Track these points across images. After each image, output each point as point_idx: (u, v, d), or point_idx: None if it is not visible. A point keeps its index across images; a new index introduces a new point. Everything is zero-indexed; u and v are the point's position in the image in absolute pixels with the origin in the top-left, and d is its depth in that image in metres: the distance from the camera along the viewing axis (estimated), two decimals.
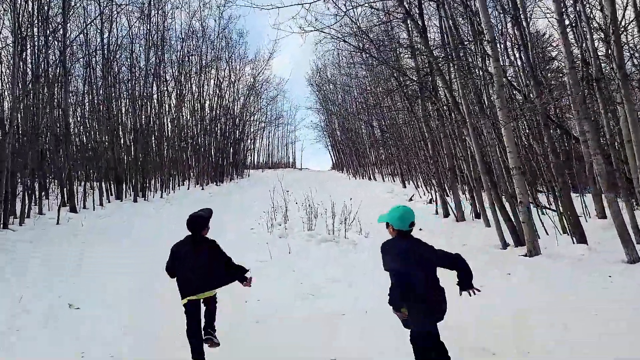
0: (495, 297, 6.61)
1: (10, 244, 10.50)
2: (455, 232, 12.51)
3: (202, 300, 4.60)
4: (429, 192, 21.40)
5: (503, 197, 10.81)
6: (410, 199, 20.73)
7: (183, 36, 29.60)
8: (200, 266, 4.52)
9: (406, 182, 28.09)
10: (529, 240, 8.87)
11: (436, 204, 16.20)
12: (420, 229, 13.27)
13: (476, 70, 10.64)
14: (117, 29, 22.69)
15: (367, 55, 14.82)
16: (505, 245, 10.12)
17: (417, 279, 3.61)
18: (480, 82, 11.22)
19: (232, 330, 5.66)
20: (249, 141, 47.17)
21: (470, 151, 13.07)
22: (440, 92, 14.11)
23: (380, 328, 5.85)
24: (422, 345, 3.60)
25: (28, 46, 15.24)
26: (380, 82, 24.30)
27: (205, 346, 4.50)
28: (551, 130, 10.69)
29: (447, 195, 15.62)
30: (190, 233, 4.64)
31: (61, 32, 16.75)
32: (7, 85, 16.38)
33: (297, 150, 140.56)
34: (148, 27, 24.26)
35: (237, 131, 38.70)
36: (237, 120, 38.38)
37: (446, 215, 15.08)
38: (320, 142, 60.14)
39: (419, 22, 11.57)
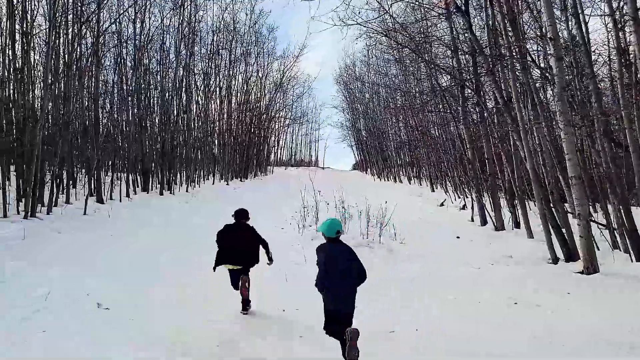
0: (558, 320, 6.00)
1: (38, 233, 10.22)
2: (495, 242, 11.82)
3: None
4: (460, 198, 20.68)
5: (553, 207, 10.10)
6: (442, 204, 20.02)
7: (214, 29, 29.35)
8: (240, 246, 6.35)
9: (434, 186, 27.35)
10: (587, 256, 8.17)
11: (472, 210, 15.48)
12: (458, 237, 12.70)
13: (533, 70, 9.94)
14: (149, 20, 22.51)
15: (408, 52, 14.20)
16: (555, 259, 9.42)
17: (328, 277, 4.73)
18: (533, 84, 10.51)
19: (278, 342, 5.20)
20: (273, 138, 46.88)
21: (516, 157, 12.36)
22: (484, 93, 13.40)
23: (433, 349, 5.32)
24: (326, 320, 4.76)
25: (61, 34, 15.05)
26: (414, 82, 23.64)
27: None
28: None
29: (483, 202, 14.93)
30: (235, 220, 6.53)
31: (95, 20, 16.54)
32: (39, 74, 16.24)
33: (320, 149, 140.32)
34: (180, 19, 24.06)
35: (263, 128, 38.39)
36: (263, 116, 38.06)
37: (483, 223, 14.36)
38: (344, 141, 59.29)
39: (468, 18, 10.92)
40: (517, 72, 9.84)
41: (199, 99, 28.42)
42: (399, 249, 10.88)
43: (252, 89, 35.76)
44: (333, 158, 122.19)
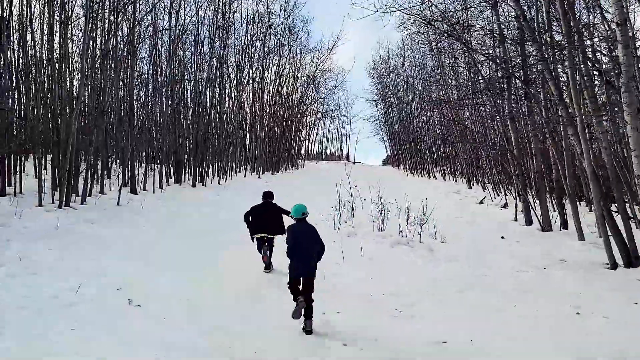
0: (633, 335, 5.37)
1: (71, 223, 10.10)
2: (544, 244, 11.06)
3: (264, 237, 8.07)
4: (500, 196, 19.81)
5: (612, 207, 9.32)
6: (481, 202, 19.21)
7: (248, 20, 29.08)
8: (267, 218, 8.14)
9: (471, 183, 26.42)
10: None
11: (515, 209, 14.70)
12: (503, 237, 12.00)
13: (592, 61, 9.16)
14: (184, 11, 22.35)
15: (447, 43, 13.50)
16: (614, 264, 8.67)
17: (294, 248, 5.78)
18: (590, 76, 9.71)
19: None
20: (304, 132, 46.49)
21: (568, 153, 11.56)
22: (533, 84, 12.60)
23: None
24: (289, 280, 5.72)
25: (98, 24, 14.98)
26: (453, 74, 22.79)
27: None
28: None
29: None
30: (263, 200, 8.62)
31: (131, 9, 16.44)
32: (76, 64, 16.27)
33: (351, 144, 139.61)
34: (215, 10, 23.86)
35: (295, 121, 38.04)
36: (295, 109, 37.70)
37: (529, 222, 13.58)
38: (376, 135, 58.45)
39: (519, 5, 10.19)
40: (575, 62, 9.07)
41: (232, 91, 28.25)
42: (439, 249, 10.29)
43: (285, 81, 35.43)
44: (363, 153, 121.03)
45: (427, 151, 37.87)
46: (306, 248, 5.76)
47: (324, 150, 62.46)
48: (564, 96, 9.76)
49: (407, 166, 44.14)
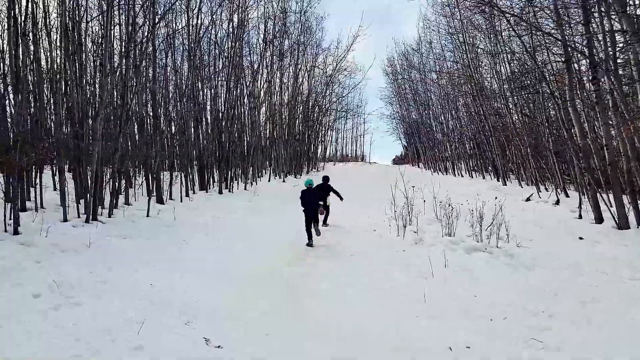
0: None
1: (103, 239, 9.02)
2: (631, 245, 9.79)
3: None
4: (549, 192, 18.52)
5: None
6: (528, 199, 17.88)
7: (265, 19, 28.03)
8: (314, 199, 10.75)
9: (505, 180, 25.06)
10: None
11: (579, 206, 13.40)
12: (581, 238, 10.74)
13: None
14: (201, 14, 21.28)
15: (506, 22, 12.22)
16: None
17: (304, 203, 10.47)
18: None
19: None
20: (321, 133, 45.35)
21: None
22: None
23: None
24: (306, 222, 10.30)
25: (117, 21, 13.97)
26: (490, 63, 21.52)
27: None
28: None
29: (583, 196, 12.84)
30: (323, 181, 12.99)
31: (150, 7, 15.40)
32: (96, 66, 15.26)
33: (366, 144, 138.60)
34: (230, 10, 22.86)
35: (316, 121, 36.91)
36: (314, 110, 36.58)
37: (599, 220, 12.29)
38: (392, 134, 57.21)
39: None
40: None
41: (251, 93, 27.17)
42: (519, 254, 9.04)
43: (302, 82, 34.33)
44: (373, 152, 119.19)
45: (450, 148, 36.60)
46: (308, 202, 10.37)
47: (337, 152, 61.33)
48: None
49: (429, 164, 42.81)
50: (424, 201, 12.39)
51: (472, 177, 32.06)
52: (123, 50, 14.02)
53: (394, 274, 7.34)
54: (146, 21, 15.47)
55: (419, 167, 48.67)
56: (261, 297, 6.18)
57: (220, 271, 7.34)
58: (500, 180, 25.70)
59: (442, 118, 36.86)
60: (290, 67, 32.63)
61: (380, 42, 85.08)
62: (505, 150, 24.21)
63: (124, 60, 13.47)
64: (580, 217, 13.23)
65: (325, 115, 41.16)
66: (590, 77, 11.66)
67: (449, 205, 10.44)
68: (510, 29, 12.64)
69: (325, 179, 12.84)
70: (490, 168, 30.24)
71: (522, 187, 22.13)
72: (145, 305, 5.39)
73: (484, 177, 30.34)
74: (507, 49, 19.55)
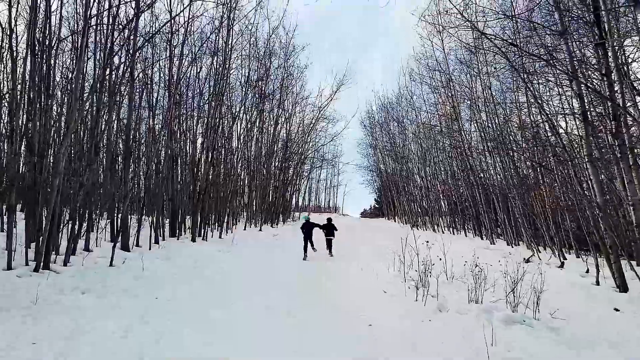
0: None
1: (55, 294, 7.13)
2: None
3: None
4: (548, 253, 17.49)
5: None
6: (527, 261, 16.70)
7: (248, 63, 27.10)
8: (329, 227, 16.97)
9: (492, 238, 23.99)
10: None
11: (597, 271, 12.24)
12: (617, 310, 9.43)
13: None
14: (181, 46, 20.10)
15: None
16: None
17: (304, 229, 16.17)
18: None
19: None
20: (297, 182, 44.02)
21: None
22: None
23: None
24: (304, 243, 16.00)
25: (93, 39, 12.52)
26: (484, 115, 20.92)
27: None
28: None
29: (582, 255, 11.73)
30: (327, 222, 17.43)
31: (130, 35, 14.05)
32: (67, 84, 13.61)
33: (340, 195, 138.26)
34: (214, 47, 21.81)
35: (295, 171, 35.61)
36: (291, 159, 35.36)
37: (623, 289, 11.09)
38: (367, 186, 56.56)
39: None
40: None
41: (227, 137, 25.73)
42: (558, 327, 7.62)
43: (281, 130, 33.27)
44: (346, 204, 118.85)
45: (430, 204, 35.81)
46: (307, 232, 15.77)
47: (310, 202, 60.07)
48: None
49: (407, 218, 41.77)
50: (440, 259, 10.92)
51: (453, 234, 31.05)
52: (98, 73, 12.50)
53: (430, 356, 5.75)
54: (124, 46, 14.05)
55: (394, 220, 47.70)
56: None
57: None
58: (486, 238, 24.69)
59: (423, 172, 36.27)
60: (271, 114, 31.60)
61: (360, 93, 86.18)
62: (495, 208, 23.33)
63: (98, 85, 11.93)
64: (597, 283, 12.04)
65: (303, 164, 39.99)
66: (614, 129, 10.80)
67: (476, 266, 8.99)
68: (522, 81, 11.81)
69: (329, 219, 17.27)
70: (471, 225, 29.37)
71: (512, 247, 21.12)
72: None
73: (465, 235, 29.38)
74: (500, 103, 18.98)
